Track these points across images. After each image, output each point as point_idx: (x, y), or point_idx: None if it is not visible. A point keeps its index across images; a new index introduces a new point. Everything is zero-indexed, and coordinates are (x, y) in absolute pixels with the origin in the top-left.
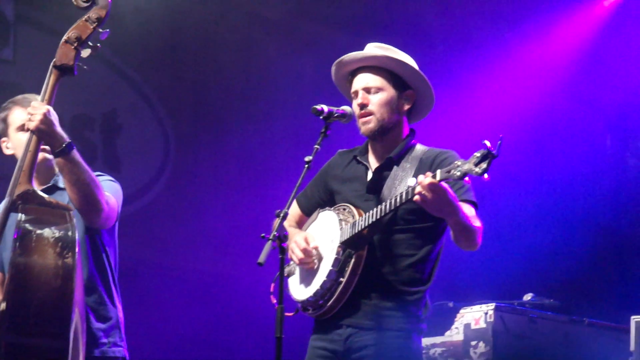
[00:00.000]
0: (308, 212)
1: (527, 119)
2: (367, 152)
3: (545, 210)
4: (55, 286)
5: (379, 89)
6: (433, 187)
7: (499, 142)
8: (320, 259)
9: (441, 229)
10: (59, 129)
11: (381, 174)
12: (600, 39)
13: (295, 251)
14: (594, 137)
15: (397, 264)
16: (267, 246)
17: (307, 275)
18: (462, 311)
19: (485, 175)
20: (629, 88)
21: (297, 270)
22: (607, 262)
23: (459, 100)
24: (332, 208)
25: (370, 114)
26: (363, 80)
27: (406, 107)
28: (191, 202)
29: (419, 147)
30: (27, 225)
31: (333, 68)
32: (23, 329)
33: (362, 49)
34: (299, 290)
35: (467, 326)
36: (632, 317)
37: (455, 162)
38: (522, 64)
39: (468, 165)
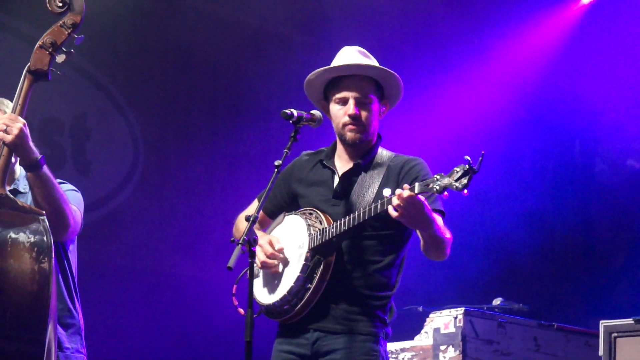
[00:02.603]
0: (270, 213)
1: (498, 122)
2: (333, 155)
3: (515, 214)
4: (32, 291)
5: (370, 101)
6: (411, 201)
7: (481, 157)
8: (285, 263)
9: (406, 235)
10: (31, 144)
11: (349, 180)
12: (572, 44)
13: (259, 254)
14: (563, 141)
15: (364, 270)
16: (237, 250)
17: (272, 279)
18: (431, 315)
19: (465, 191)
20: (600, 92)
21: (261, 273)
22: (577, 266)
23: (428, 101)
24: (299, 212)
25: (361, 125)
26: (355, 89)
27: (382, 116)
28: (160, 205)
29: (385, 153)
30: (1, 229)
31: (320, 70)
32: None
33: (331, 51)
34: (263, 294)
35: (436, 330)
36: (601, 321)
37: (434, 176)
38: (492, 66)
39: (448, 180)
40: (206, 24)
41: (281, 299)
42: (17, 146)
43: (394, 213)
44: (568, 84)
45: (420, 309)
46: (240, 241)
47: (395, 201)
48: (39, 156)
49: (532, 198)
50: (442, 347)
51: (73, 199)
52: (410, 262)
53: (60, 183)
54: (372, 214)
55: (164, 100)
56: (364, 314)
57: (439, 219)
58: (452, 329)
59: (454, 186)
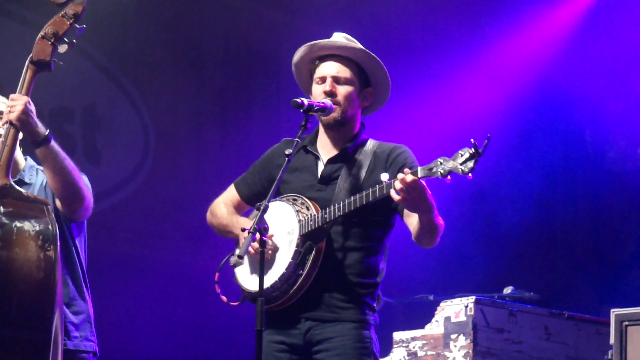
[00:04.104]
0: (247, 199)
1: (508, 110)
2: (315, 141)
3: (526, 202)
4: (38, 279)
5: (347, 81)
6: (414, 185)
7: (486, 141)
8: (274, 249)
9: (392, 222)
10: (37, 120)
11: (334, 165)
12: (581, 32)
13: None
14: (573, 129)
15: (352, 256)
16: (248, 239)
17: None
18: (442, 304)
19: (470, 175)
20: (611, 81)
21: (246, 260)
22: (587, 255)
23: (439, 94)
24: (282, 198)
25: (336, 103)
26: (333, 68)
27: (365, 103)
28: (171, 195)
29: (370, 141)
30: (6, 219)
31: (302, 49)
32: (4, 321)
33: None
34: (250, 281)
35: (447, 319)
36: (612, 310)
37: (438, 159)
38: (501, 56)
39: (453, 163)
40: (217, 14)
41: (272, 286)
42: (22, 122)
43: (396, 197)
44: (579, 72)
45: (431, 297)
46: (251, 230)
47: (398, 185)
48: (46, 131)
49: (542, 186)
50: (453, 336)
51: None
52: (421, 251)
53: None
54: (371, 199)
55: (175, 89)
56: (354, 302)
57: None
58: (463, 318)
59: (459, 169)
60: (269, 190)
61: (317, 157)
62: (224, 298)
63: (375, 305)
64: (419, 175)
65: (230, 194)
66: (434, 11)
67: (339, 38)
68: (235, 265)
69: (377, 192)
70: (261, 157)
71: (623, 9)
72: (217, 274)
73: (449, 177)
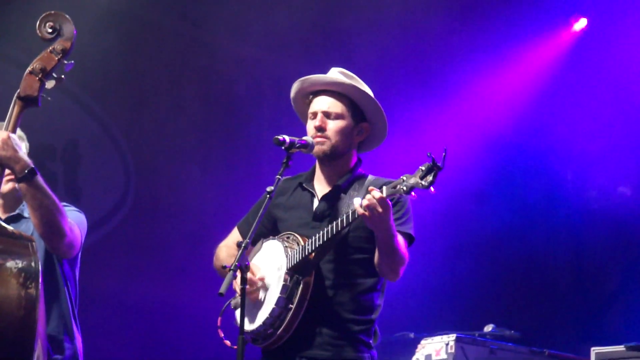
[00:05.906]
0: (250, 240)
1: (489, 150)
2: (312, 179)
3: (506, 242)
4: (18, 316)
5: (338, 116)
6: (381, 202)
7: (444, 154)
8: (266, 289)
9: None
10: (21, 154)
11: (329, 202)
12: (563, 72)
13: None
14: (555, 169)
15: (346, 293)
16: (229, 276)
17: (255, 306)
18: (423, 342)
19: (432, 189)
20: (593, 120)
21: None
22: (568, 293)
23: (417, 128)
24: (277, 237)
25: (326, 138)
26: (324, 103)
27: (359, 138)
28: (152, 232)
29: (365, 176)
30: None
31: (296, 84)
32: None
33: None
34: (247, 322)
35: (428, 357)
36: (592, 348)
37: (402, 177)
38: (483, 95)
39: (414, 179)
40: (199, 51)
41: (264, 323)
42: (1, 158)
43: (361, 211)
44: (559, 112)
45: (412, 335)
46: (232, 267)
47: (366, 202)
48: (30, 167)
49: (524, 225)
50: None
51: (73, 217)
52: (403, 289)
53: (63, 206)
54: (345, 224)
55: (156, 126)
56: (348, 339)
57: (401, 239)
58: (443, 356)
59: (420, 184)
60: (271, 229)
61: (313, 195)
62: (228, 342)
63: (371, 342)
64: (385, 194)
65: (234, 236)
66: (416, 44)
67: (334, 73)
68: (235, 308)
69: (350, 216)
70: (261, 196)
71: (602, 50)
72: (219, 319)
73: (413, 193)
